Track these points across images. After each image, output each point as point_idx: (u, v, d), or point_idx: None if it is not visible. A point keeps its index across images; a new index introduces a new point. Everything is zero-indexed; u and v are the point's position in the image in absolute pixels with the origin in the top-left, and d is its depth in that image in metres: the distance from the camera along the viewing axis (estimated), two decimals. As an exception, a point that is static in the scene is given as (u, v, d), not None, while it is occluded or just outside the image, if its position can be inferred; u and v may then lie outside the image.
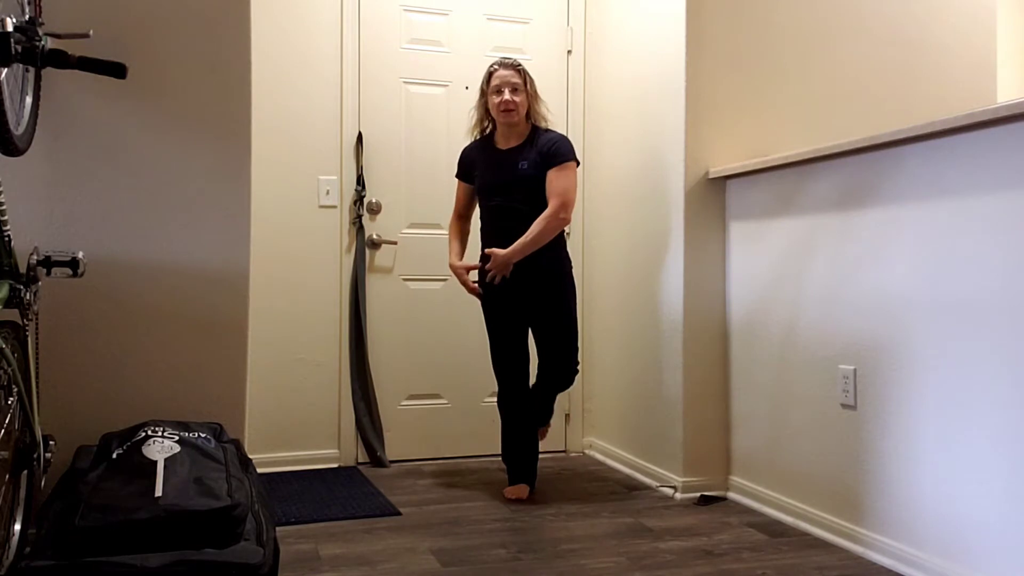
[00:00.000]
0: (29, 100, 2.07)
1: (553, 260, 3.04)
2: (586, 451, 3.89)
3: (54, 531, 1.89)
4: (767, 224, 2.91)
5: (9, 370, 1.75)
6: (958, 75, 3.41)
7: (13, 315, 1.99)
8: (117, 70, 1.88)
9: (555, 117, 3.27)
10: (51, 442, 2.14)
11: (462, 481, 3.33)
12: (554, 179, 2.96)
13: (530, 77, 3.06)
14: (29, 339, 2.00)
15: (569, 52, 3.89)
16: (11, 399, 1.79)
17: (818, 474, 2.67)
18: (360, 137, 3.59)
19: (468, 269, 3.13)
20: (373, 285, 3.64)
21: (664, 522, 2.78)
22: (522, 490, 3.08)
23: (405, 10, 3.68)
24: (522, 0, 3.83)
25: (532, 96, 3.05)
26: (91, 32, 2.30)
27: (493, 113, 3.06)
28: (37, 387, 2.06)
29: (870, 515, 2.45)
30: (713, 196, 3.11)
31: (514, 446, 3.13)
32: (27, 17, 1.94)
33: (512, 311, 3.07)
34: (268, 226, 3.45)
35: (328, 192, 3.56)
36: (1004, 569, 2.03)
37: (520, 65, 3.05)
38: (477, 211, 3.22)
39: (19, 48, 1.61)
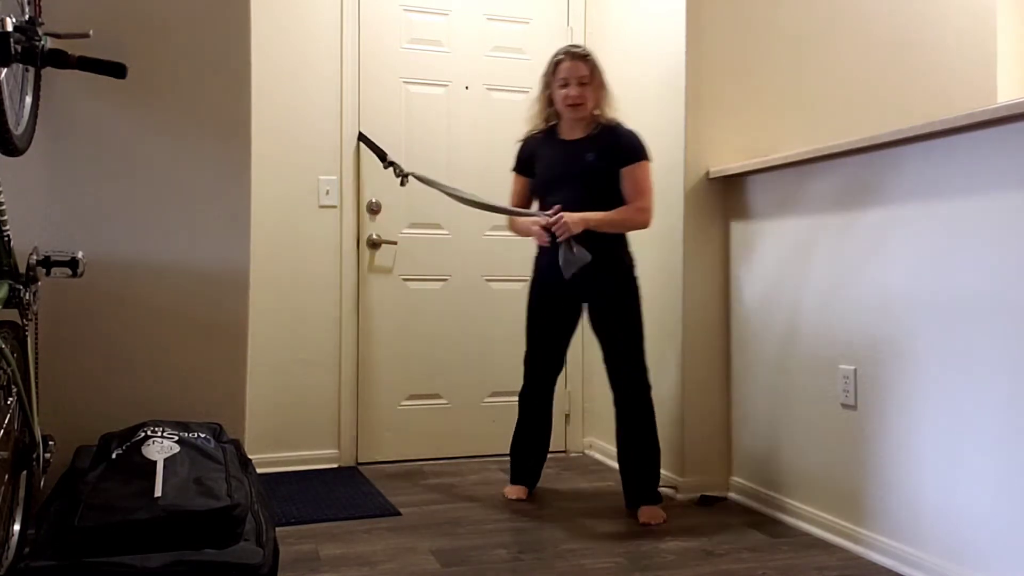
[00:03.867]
0: (29, 100, 2.07)
1: (617, 258, 2.87)
2: (586, 451, 3.88)
3: (53, 531, 1.89)
4: (767, 224, 2.90)
5: (8, 370, 1.75)
6: (958, 75, 3.40)
7: (12, 315, 1.99)
8: (117, 70, 1.88)
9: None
10: (50, 442, 2.13)
11: (462, 481, 3.32)
12: (632, 177, 2.82)
13: (599, 68, 2.88)
14: (29, 339, 2.00)
15: (569, 52, 3.88)
16: (10, 399, 1.79)
17: (818, 474, 2.66)
18: (360, 136, 3.58)
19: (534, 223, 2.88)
20: (373, 285, 3.64)
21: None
22: (520, 491, 3.05)
23: (405, 10, 3.68)
24: (522, 0, 3.82)
25: (600, 87, 2.87)
26: (91, 32, 2.30)
27: (558, 106, 2.89)
28: (36, 387, 2.06)
29: (870, 515, 2.45)
30: (713, 196, 3.10)
31: (522, 444, 3.08)
32: (27, 17, 1.95)
33: (561, 307, 2.94)
34: (268, 226, 3.45)
35: (328, 192, 3.55)
36: (1005, 569, 2.03)
37: (589, 55, 2.87)
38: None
39: (19, 48, 1.61)
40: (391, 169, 3.20)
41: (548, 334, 2.99)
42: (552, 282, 2.88)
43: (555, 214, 2.76)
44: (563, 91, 2.85)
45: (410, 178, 3.14)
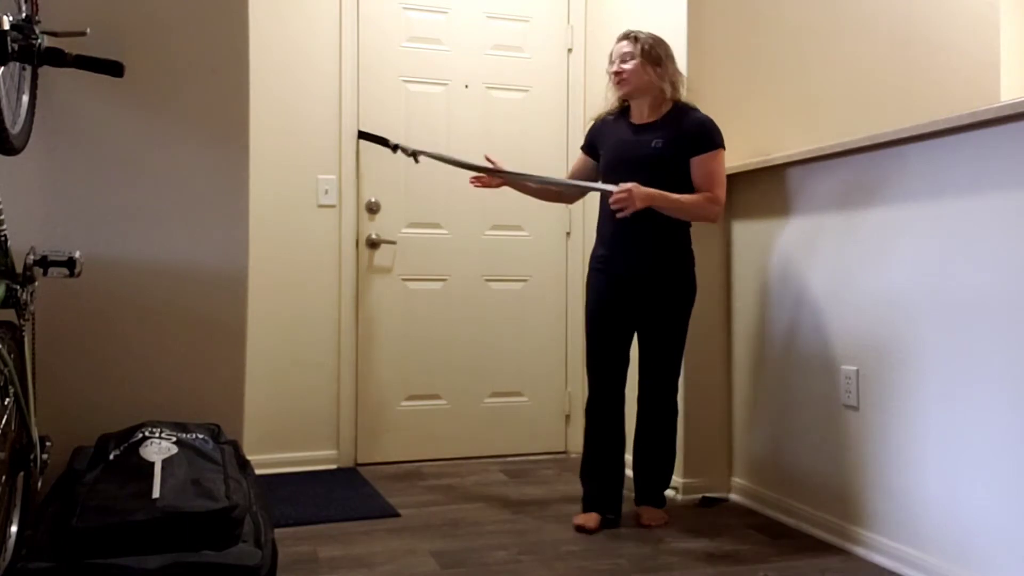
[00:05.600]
0: (26, 99, 2.05)
1: (681, 260, 2.76)
2: (586, 451, 3.87)
3: (51, 533, 1.88)
4: (769, 223, 2.89)
5: (5, 371, 1.74)
6: (962, 73, 3.39)
7: (9, 315, 1.97)
8: (114, 68, 1.87)
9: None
10: (48, 443, 2.12)
11: (462, 483, 3.31)
12: (703, 168, 2.66)
13: (650, 46, 2.74)
14: (26, 339, 1.98)
15: (569, 50, 3.87)
16: (7, 400, 1.78)
17: (820, 475, 2.65)
18: (360, 134, 3.57)
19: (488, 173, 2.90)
20: (373, 285, 3.63)
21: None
22: (590, 519, 2.71)
23: (404, 8, 3.66)
24: (522, -2, 3.82)
25: (654, 65, 2.72)
26: (88, 30, 2.29)
27: (612, 86, 2.82)
28: (34, 388, 2.05)
29: (872, 517, 2.43)
30: (714, 195, 3.09)
31: (593, 464, 2.80)
32: (24, 15, 1.94)
33: (622, 309, 2.76)
34: (267, 226, 3.43)
35: (327, 191, 3.54)
36: (1008, 571, 2.02)
37: (633, 33, 2.77)
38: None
39: (16, 46, 1.60)
40: (399, 152, 3.16)
41: (610, 331, 2.77)
42: (613, 273, 2.76)
43: (622, 190, 2.60)
44: (610, 69, 2.79)
45: (422, 157, 3.12)
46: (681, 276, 2.75)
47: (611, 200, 2.61)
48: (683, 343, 2.79)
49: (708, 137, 2.69)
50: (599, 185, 2.74)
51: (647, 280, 2.72)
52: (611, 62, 2.79)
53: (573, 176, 3.01)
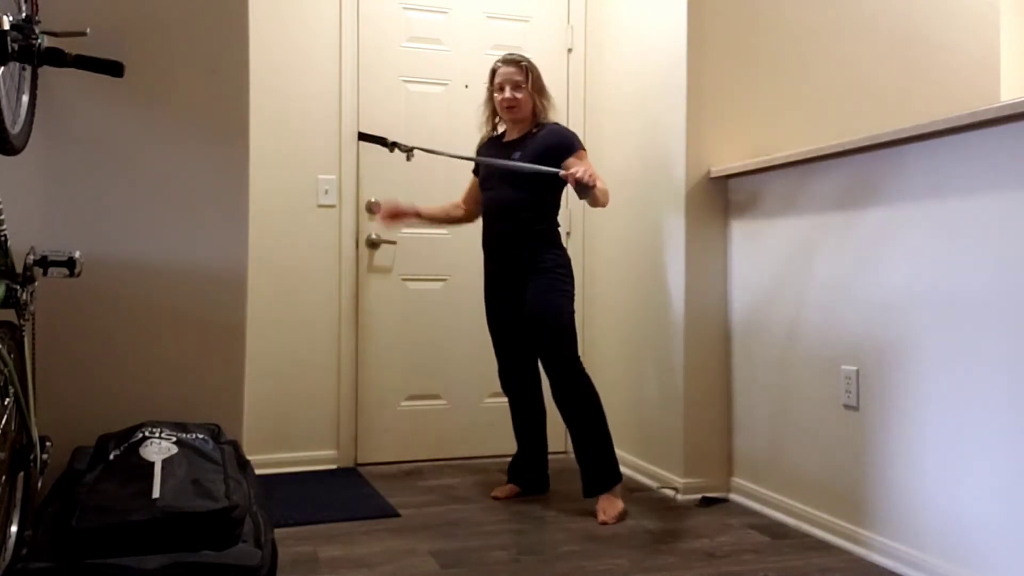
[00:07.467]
0: (26, 99, 2.05)
1: (535, 253, 2.94)
2: (586, 451, 3.86)
3: (51, 533, 1.88)
4: (769, 223, 2.89)
5: (5, 371, 1.74)
6: (962, 74, 3.39)
7: (9, 315, 1.97)
8: (114, 68, 1.87)
9: (559, 111, 3.20)
10: (48, 443, 2.12)
11: (462, 483, 3.31)
12: (577, 165, 2.85)
13: (534, 73, 3.00)
14: (26, 339, 1.98)
15: (569, 50, 3.87)
16: (7, 400, 1.78)
17: (820, 475, 2.65)
18: (360, 136, 3.57)
19: (397, 214, 3.14)
20: (372, 285, 3.63)
21: (665, 524, 2.76)
22: (502, 490, 3.11)
23: (404, 8, 3.66)
24: (522, -2, 3.81)
25: (536, 91, 3.00)
26: (88, 30, 2.29)
27: (498, 110, 3.05)
28: (34, 388, 2.05)
29: (872, 516, 2.43)
30: (715, 195, 3.09)
31: (516, 435, 3.15)
32: (24, 15, 1.93)
33: (502, 301, 3.05)
34: (267, 226, 3.43)
35: (327, 191, 3.54)
36: (1008, 572, 2.02)
37: (524, 61, 3.00)
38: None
39: (15, 46, 1.60)
40: (397, 151, 3.31)
41: (499, 323, 3.10)
42: (489, 275, 3.08)
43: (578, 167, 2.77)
44: (499, 95, 3.00)
45: (415, 152, 3.30)
46: (544, 263, 2.91)
47: (575, 175, 2.69)
48: (563, 327, 2.86)
49: (568, 143, 2.92)
50: (546, 168, 2.84)
51: (517, 275, 2.95)
52: (499, 87, 3.00)
53: (467, 197, 3.23)
